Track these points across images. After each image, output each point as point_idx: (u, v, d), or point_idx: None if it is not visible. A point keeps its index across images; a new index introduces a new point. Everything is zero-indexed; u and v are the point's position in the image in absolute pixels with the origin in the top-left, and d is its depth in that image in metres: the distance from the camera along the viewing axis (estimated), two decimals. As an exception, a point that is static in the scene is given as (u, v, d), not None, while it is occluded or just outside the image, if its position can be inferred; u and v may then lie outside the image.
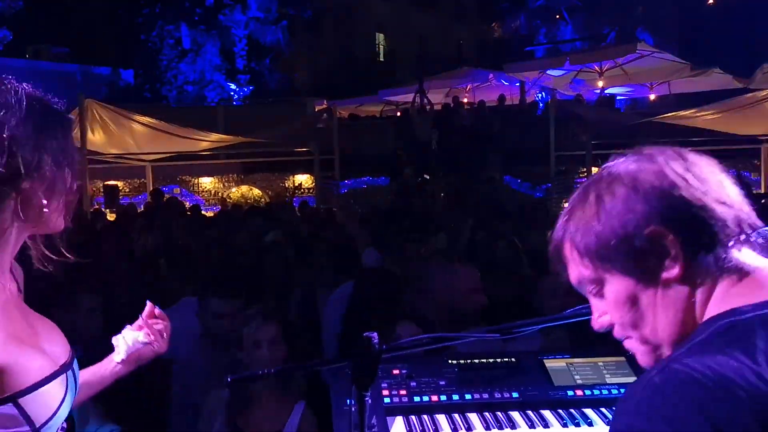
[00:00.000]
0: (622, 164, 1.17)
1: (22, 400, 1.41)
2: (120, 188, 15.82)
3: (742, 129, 12.87)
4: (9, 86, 1.41)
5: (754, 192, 11.98)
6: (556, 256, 1.20)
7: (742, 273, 1.06)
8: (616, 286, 1.12)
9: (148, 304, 1.89)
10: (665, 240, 1.06)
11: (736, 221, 1.07)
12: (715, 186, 1.10)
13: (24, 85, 1.44)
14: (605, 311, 1.17)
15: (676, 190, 1.08)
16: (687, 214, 1.06)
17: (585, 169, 15.63)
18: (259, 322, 2.77)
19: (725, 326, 1.01)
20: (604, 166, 1.20)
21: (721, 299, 1.05)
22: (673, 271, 1.06)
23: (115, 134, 12.30)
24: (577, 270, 1.17)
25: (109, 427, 2.69)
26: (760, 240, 1.10)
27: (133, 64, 23.35)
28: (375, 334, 1.49)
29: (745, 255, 1.07)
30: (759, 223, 1.11)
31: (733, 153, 15.95)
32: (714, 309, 1.05)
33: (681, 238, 1.06)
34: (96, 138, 12.06)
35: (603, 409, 2.10)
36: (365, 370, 1.47)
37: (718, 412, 0.89)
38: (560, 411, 2.09)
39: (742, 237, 1.07)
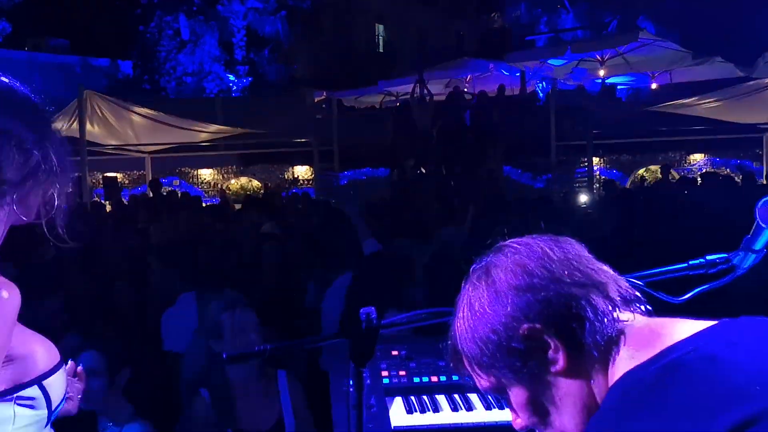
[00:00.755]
0: (486, 262, 1.15)
1: (45, 383, 1.51)
2: (119, 180, 15.78)
3: (744, 118, 12.80)
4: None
5: (758, 183, 11.89)
6: (456, 364, 1.18)
7: (630, 338, 1.04)
8: (514, 392, 1.10)
9: (70, 362, 1.86)
10: (540, 335, 1.04)
11: (607, 295, 1.06)
12: (576, 263, 1.08)
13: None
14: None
15: (535, 281, 1.05)
16: (555, 302, 1.04)
17: (586, 160, 15.59)
18: (243, 308, 2.76)
19: (618, 395, 0.99)
20: (480, 260, 1.17)
21: (618, 369, 1.03)
22: (559, 364, 1.04)
23: (115, 126, 12.26)
24: (477, 380, 1.16)
25: (138, 424, 2.67)
26: (638, 306, 1.09)
27: (131, 56, 23.26)
28: (372, 309, 1.44)
29: (627, 320, 1.06)
30: (630, 291, 1.10)
31: (735, 142, 15.92)
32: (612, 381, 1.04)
33: (554, 328, 1.04)
34: (95, 129, 12.03)
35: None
36: (363, 346, 1.43)
37: None
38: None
39: (618, 307, 1.06)
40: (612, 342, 1.03)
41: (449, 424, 1.87)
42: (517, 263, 1.09)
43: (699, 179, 13.61)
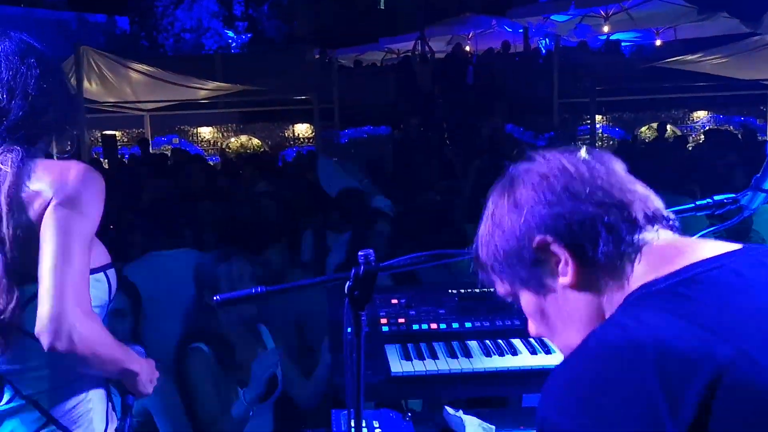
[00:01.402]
0: (514, 171, 1.16)
1: (108, 272, 1.70)
2: (118, 138, 15.67)
3: (749, 74, 12.62)
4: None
5: (759, 139, 11.78)
6: (477, 269, 1.21)
7: (649, 255, 1.03)
8: (524, 299, 1.14)
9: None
10: (551, 248, 1.06)
11: (628, 214, 1.05)
12: (601, 182, 1.07)
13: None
14: None
15: (553, 196, 1.07)
16: (569, 218, 1.05)
17: (589, 117, 15.44)
18: (238, 259, 2.76)
19: (633, 298, 0.99)
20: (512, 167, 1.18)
21: (633, 285, 1.02)
22: (569, 277, 1.06)
23: (113, 83, 12.10)
24: (495, 284, 1.19)
25: None
26: (666, 223, 1.08)
27: (129, 12, 22.89)
28: (371, 251, 1.41)
29: (648, 237, 1.05)
30: (658, 210, 1.08)
31: (740, 99, 15.74)
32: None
33: (566, 243, 1.05)
34: (93, 87, 11.87)
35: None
36: (361, 287, 1.40)
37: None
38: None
39: (640, 227, 1.05)
40: (627, 259, 1.03)
41: (447, 370, 1.85)
42: (540, 175, 1.10)
43: (702, 137, 13.53)
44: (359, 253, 1.41)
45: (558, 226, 1.05)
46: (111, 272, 1.71)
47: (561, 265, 1.06)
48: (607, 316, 1.04)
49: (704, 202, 1.51)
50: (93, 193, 1.60)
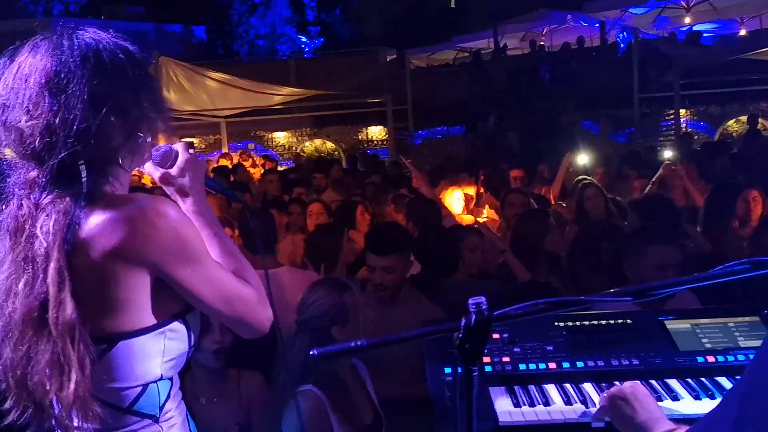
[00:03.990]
0: None
1: (188, 317, 1.51)
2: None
3: (840, 62, 11.82)
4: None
5: None
6: None
7: None
8: None
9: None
10: None
11: None
12: None
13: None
14: None
15: None
16: None
17: (672, 111, 14.79)
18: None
19: None
20: None
21: None
22: None
23: (190, 91, 12.36)
24: None
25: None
26: None
27: (204, 21, 23.41)
28: (483, 299, 1.26)
29: None
30: None
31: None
32: None
33: None
34: (171, 96, 12.13)
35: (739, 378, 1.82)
36: (472, 339, 1.25)
37: None
38: (689, 380, 1.83)
39: None
40: None
41: (562, 419, 1.67)
42: None
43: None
44: (470, 301, 1.27)
45: None
46: (190, 317, 1.52)
47: None
48: None
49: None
50: (180, 222, 1.42)
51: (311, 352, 1.23)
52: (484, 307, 1.25)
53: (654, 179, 6.43)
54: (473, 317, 1.24)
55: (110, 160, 1.43)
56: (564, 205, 6.11)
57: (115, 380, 1.44)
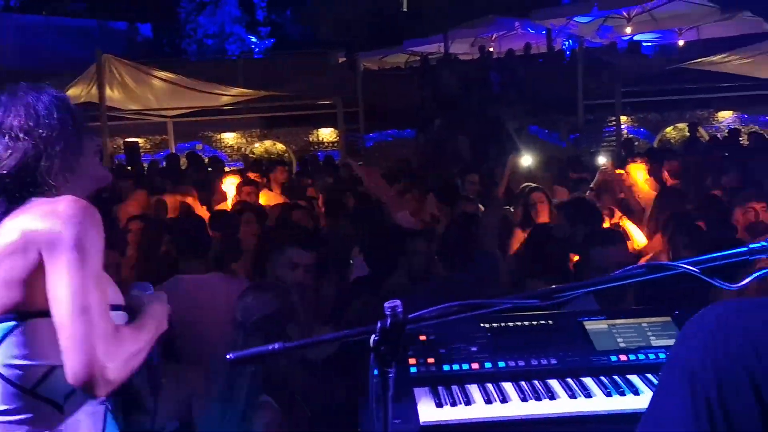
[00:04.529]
0: None
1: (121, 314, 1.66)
2: (141, 145, 15.73)
3: (774, 73, 12.37)
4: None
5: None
6: None
7: None
8: None
9: None
10: None
11: None
12: None
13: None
14: None
15: None
16: None
17: (614, 118, 15.22)
18: (299, 248, 2.71)
19: None
20: None
21: None
22: None
23: (135, 90, 12.15)
24: None
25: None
26: None
27: (151, 18, 22.94)
28: (399, 302, 1.31)
29: None
30: None
31: (764, 98, 15.47)
32: None
33: None
34: (115, 94, 11.92)
35: (649, 376, 1.92)
36: (388, 342, 1.30)
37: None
38: (603, 378, 1.92)
39: None
40: None
41: (482, 418, 1.74)
42: None
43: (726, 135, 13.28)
44: (386, 304, 1.32)
45: None
46: (121, 315, 1.67)
47: None
48: None
49: (759, 246, 1.40)
50: (92, 227, 1.55)
51: (227, 356, 1.25)
52: (399, 310, 1.30)
53: (592, 184, 6.66)
54: (388, 320, 1.29)
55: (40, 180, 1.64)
56: (512, 210, 6.26)
57: (21, 357, 1.51)
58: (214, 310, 3.14)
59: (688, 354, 0.89)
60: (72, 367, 1.46)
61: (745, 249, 1.40)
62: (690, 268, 1.38)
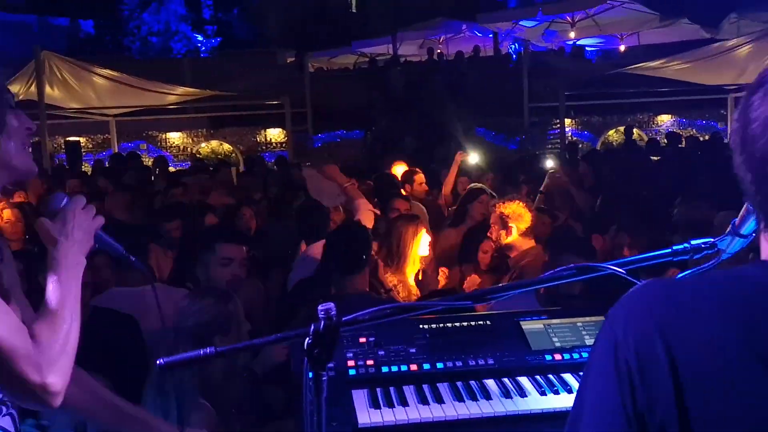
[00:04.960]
0: None
1: None
2: (83, 144, 15.35)
3: (710, 79, 12.83)
4: None
5: (725, 141, 11.95)
6: None
7: None
8: None
9: None
10: None
11: None
12: None
13: None
14: None
15: None
16: None
17: (558, 121, 15.54)
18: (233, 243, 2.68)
19: None
20: None
21: None
22: None
23: (76, 88, 11.84)
24: None
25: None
26: None
27: (93, 15, 22.33)
28: (332, 305, 1.31)
29: None
30: None
31: (701, 102, 16.04)
32: None
33: None
34: (55, 92, 11.60)
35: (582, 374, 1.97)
36: (322, 344, 1.30)
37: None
38: (538, 377, 1.97)
39: None
40: None
41: (417, 419, 1.76)
42: None
43: (665, 140, 13.72)
44: (319, 307, 1.32)
45: None
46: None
47: None
48: None
49: (681, 247, 1.45)
50: None
51: (158, 362, 1.24)
52: (332, 313, 1.31)
53: (542, 187, 6.75)
54: (322, 323, 1.30)
55: None
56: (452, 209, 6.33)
57: None
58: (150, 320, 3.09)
59: (612, 326, 0.95)
60: (20, 399, 1.40)
61: (669, 250, 1.46)
62: (616, 269, 1.43)
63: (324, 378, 1.31)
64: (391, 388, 1.87)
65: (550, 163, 8.00)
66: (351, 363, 1.93)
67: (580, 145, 15.65)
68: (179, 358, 1.24)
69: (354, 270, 3.14)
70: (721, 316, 0.91)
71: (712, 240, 1.47)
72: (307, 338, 1.31)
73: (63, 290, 1.47)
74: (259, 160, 11.96)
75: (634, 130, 16.05)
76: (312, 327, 1.30)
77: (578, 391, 1.03)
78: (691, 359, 0.89)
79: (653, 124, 17.69)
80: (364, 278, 3.20)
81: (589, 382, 0.99)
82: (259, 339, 1.31)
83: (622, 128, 16.92)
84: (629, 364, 0.91)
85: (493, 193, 5.92)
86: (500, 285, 1.44)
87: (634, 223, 4.78)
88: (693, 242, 1.46)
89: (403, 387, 1.88)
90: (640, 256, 1.47)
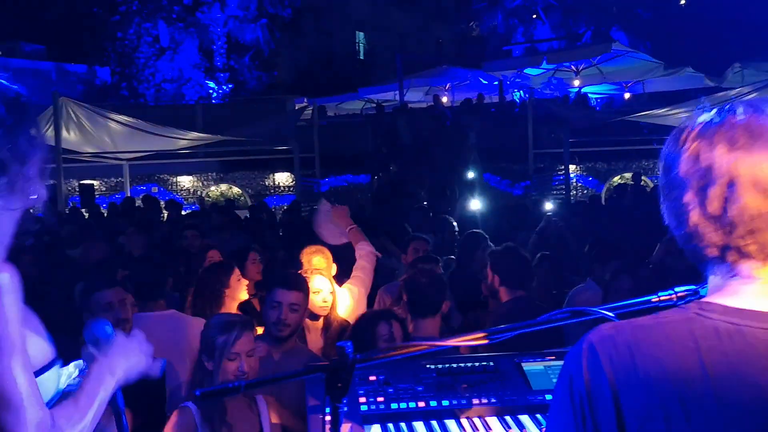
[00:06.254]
0: None
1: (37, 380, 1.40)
2: (96, 187, 15.62)
3: (714, 128, 13.01)
4: None
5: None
6: None
7: None
8: None
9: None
10: None
11: None
12: None
13: None
14: None
15: None
16: None
17: (563, 167, 15.75)
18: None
19: None
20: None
21: None
22: None
23: (91, 133, 12.15)
24: None
25: None
26: None
27: (109, 62, 22.94)
28: (350, 344, 1.46)
29: None
30: None
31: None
32: None
33: None
34: (71, 137, 11.91)
35: (580, 413, 2.09)
36: (338, 381, 1.44)
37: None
38: (538, 416, 2.09)
39: None
40: None
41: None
42: None
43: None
44: (337, 344, 1.46)
45: None
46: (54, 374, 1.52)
47: None
48: None
49: (666, 294, 1.58)
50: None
51: (195, 392, 1.38)
52: (349, 350, 1.45)
53: (537, 229, 6.95)
54: (340, 359, 1.45)
55: None
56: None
57: None
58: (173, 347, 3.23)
59: (570, 363, 1.12)
60: None
61: (655, 296, 1.60)
62: (606, 313, 1.57)
63: (340, 410, 1.45)
64: (401, 423, 2.00)
65: (548, 206, 8.17)
66: (362, 400, 2.06)
67: (585, 191, 15.83)
68: (214, 389, 1.38)
69: None
70: (656, 358, 1.07)
71: (695, 287, 1.60)
72: (326, 373, 1.45)
73: (92, 397, 1.51)
74: (264, 206, 12.12)
75: (642, 177, 16.22)
76: (330, 363, 1.44)
77: (547, 420, 1.21)
78: (630, 394, 1.05)
79: (658, 170, 17.83)
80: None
81: (552, 412, 1.17)
82: (282, 373, 1.45)
83: (627, 174, 17.11)
84: (581, 396, 1.08)
85: None
86: (501, 326, 1.58)
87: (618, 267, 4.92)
88: (677, 289, 1.60)
89: (412, 422, 2.01)
90: (629, 302, 1.60)
